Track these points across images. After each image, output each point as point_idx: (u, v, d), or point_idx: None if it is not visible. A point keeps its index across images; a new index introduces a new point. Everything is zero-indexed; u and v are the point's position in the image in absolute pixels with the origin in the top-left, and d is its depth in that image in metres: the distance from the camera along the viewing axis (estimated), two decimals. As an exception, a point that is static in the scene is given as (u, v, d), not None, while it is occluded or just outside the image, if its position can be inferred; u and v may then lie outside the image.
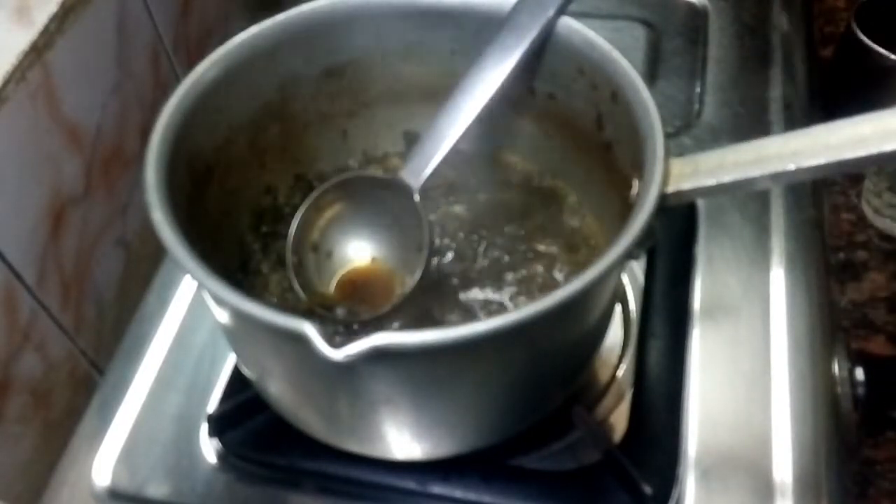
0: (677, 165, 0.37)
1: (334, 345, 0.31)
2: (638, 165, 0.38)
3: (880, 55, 0.68)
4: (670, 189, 0.37)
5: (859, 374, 0.53)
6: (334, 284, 0.48)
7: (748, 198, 0.59)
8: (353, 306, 0.46)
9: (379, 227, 0.48)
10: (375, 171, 0.53)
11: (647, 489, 0.45)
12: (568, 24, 0.44)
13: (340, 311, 0.46)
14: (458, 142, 0.43)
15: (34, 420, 0.54)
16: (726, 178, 0.36)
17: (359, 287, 0.48)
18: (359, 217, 0.47)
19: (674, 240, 0.57)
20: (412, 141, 0.52)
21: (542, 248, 0.50)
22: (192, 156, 0.42)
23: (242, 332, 0.40)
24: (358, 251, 0.48)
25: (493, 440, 0.44)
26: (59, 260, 0.54)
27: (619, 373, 0.52)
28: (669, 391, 0.50)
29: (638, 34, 0.74)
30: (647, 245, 0.38)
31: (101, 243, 0.59)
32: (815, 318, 0.53)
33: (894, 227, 0.70)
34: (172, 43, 0.65)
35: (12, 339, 0.50)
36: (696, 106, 0.67)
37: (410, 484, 0.47)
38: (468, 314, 0.48)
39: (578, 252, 0.50)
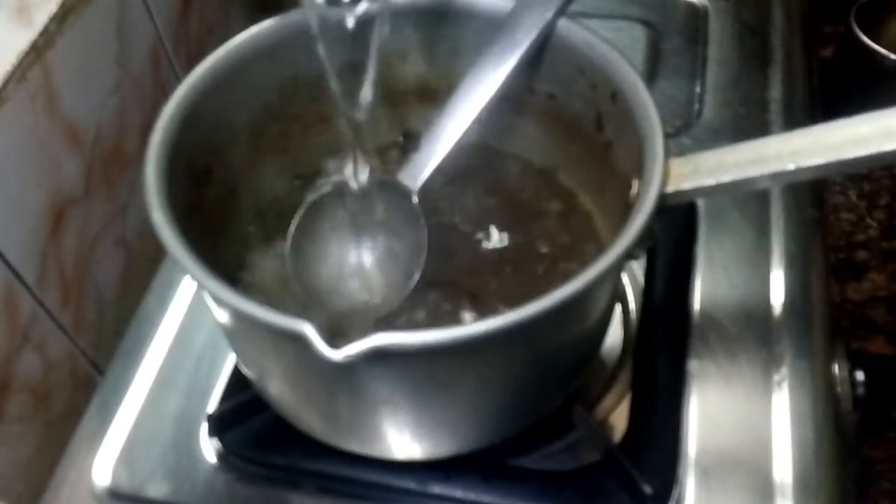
0: (677, 165, 0.37)
1: (334, 345, 0.31)
2: (638, 165, 0.38)
3: (880, 55, 0.68)
4: (670, 189, 0.37)
5: (859, 374, 0.53)
6: (334, 285, 0.48)
7: (748, 198, 0.59)
8: (354, 306, 0.46)
9: (378, 228, 0.47)
10: (375, 172, 0.53)
11: (647, 489, 0.45)
12: (568, 24, 0.44)
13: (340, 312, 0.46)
14: (457, 143, 0.43)
15: (34, 420, 0.54)
16: (726, 178, 0.36)
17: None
18: (357, 218, 0.47)
19: (674, 240, 0.57)
20: (412, 141, 0.52)
21: (541, 247, 0.50)
22: (192, 156, 0.42)
23: (242, 332, 0.40)
24: (357, 252, 0.48)
25: (493, 440, 0.44)
26: (59, 260, 0.54)
27: (619, 373, 0.52)
28: (669, 391, 0.50)
29: (638, 34, 0.74)
30: (647, 245, 0.38)
31: (101, 243, 0.59)
32: (815, 318, 0.53)
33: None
34: (172, 43, 0.65)
35: (12, 339, 0.50)
36: (696, 106, 0.67)
37: (410, 484, 0.47)
38: (468, 314, 0.48)
39: (578, 252, 0.50)
